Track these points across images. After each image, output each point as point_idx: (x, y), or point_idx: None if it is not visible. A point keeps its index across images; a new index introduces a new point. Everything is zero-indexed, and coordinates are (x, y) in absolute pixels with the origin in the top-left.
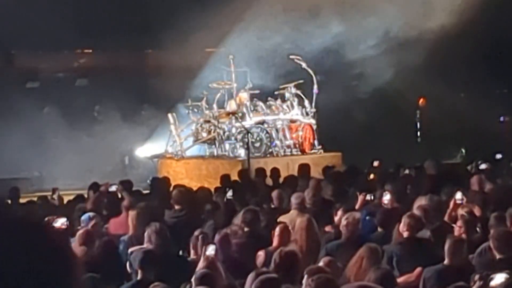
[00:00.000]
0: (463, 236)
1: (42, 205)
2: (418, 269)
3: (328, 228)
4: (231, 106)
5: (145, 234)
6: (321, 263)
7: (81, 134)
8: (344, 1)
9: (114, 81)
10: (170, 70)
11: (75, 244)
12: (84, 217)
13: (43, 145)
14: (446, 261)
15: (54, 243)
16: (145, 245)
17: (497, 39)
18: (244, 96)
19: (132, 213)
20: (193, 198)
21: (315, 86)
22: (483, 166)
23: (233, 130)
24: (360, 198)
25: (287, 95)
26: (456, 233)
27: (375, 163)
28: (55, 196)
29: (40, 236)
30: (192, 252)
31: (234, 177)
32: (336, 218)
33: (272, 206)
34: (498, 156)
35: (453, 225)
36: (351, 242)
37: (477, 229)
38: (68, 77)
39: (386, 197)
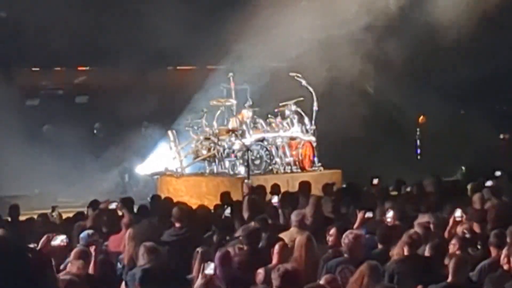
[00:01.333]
0: (457, 253)
1: (42, 222)
2: (419, 287)
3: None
4: (232, 123)
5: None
6: (322, 281)
7: (81, 152)
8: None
9: (114, 98)
10: (170, 87)
11: (72, 260)
12: (83, 235)
13: (43, 162)
14: (450, 279)
15: (35, 267)
16: (138, 264)
17: (497, 56)
18: (246, 113)
19: (127, 233)
20: (193, 216)
21: (315, 104)
22: (489, 183)
23: (234, 147)
24: (360, 215)
25: (287, 112)
26: (450, 250)
27: (375, 181)
28: (54, 214)
29: (22, 259)
30: (194, 270)
31: (234, 194)
32: (331, 238)
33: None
34: (498, 173)
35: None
36: (352, 260)
37: (478, 246)
38: (68, 95)
39: (389, 215)
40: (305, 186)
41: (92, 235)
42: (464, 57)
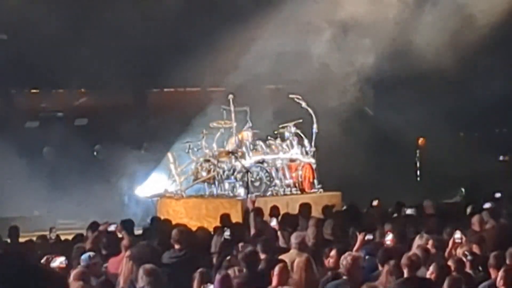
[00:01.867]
0: (454, 274)
1: (41, 244)
2: None
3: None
4: (231, 145)
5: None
6: None
7: (81, 173)
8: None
9: (114, 120)
10: (170, 109)
11: (72, 281)
12: (84, 257)
13: (43, 184)
14: None
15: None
16: (137, 286)
17: (496, 78)
18: (246, 134)
19: (126, 255)
20: (193, 238)
21: (315, 125)
22: (487, 205)
23: (234, 169)
24: (360, 237)
25: (286, 134)
26: None
27: (375, 203)
28: (52, 235)
29: (39, 277)
30: None
31: (234, 216)
32: (331, 260)
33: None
34: (498, 195)
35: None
36: (351, 282)
37: (479, 267)
38: (68, 117)
39: (389, 237)
40: (305, 208)
41: (93, 257)
42: (463, 79)
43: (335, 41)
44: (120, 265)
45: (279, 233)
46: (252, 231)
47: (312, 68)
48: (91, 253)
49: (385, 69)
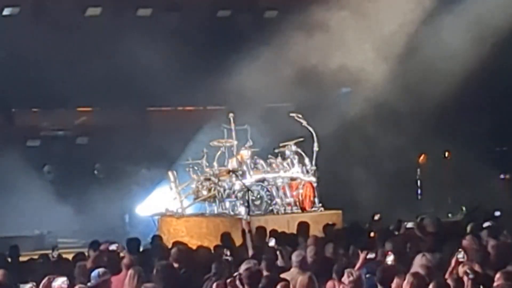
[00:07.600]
0: None
1: (42, 263)
2: None
3: None
4: (232, 164)
5: None
6: None
7: (81, 192)
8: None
9: (115, 139)
10: (170, 128)
11: None
12: (93, 274)
13: (44, 203)
14: None
15: None
16: None
17: (497, 97)
18: (245, 153)
19: (129, 273)
20: (192, 257)
21: (316, 144)
22: (487, 224)
23: (235, 187)
24: (361, 256)
25: (287, 153)
26: None
27: (376, 217)
28: (54, 254)
29: None
30: None
31: (235, 235)
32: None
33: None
34: (497, 213)
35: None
36: None
37: (480, 286)
38: (69, 136)
39: (390, 258)
40: (303, 227)
41: (103, 274)
42: (463, 98)
43: (335, 58)
44: (121, 284)
45: (278, 252)
46: (250, 252)
47: (312, 87)
48: (101, 270)
49: (386, 87)
